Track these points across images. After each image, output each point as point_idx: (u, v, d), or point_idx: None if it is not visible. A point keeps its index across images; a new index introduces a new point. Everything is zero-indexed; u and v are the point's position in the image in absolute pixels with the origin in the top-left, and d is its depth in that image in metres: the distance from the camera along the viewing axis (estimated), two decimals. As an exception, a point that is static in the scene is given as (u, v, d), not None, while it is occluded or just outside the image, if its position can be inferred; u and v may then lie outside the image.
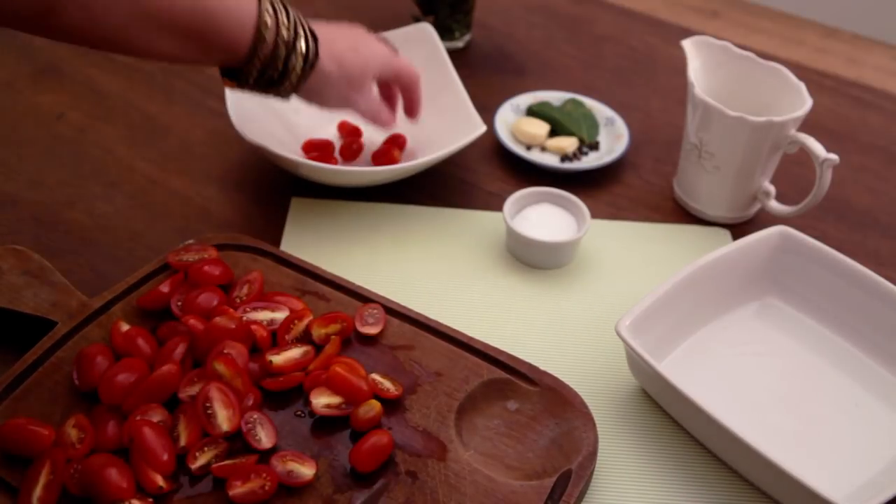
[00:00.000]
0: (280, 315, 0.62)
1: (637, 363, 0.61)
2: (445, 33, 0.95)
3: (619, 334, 0.59)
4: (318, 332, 0.61)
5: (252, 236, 0.70)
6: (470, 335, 0.63)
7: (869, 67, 1.02)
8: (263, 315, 0.62)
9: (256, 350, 0.60)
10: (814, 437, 0.61)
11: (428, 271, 0.72)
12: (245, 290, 0.64)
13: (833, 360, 0.66)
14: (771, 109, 0.75)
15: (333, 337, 0.61)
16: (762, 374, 0.65)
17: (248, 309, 0.62)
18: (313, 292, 0.65)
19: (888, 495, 0.53)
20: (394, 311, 0.64)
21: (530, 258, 0.73)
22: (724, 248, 0.67)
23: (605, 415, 0.62)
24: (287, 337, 0.61)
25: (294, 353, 0.60)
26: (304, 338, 0.61)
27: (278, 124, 0.80)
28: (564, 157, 0.82)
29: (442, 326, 0.63)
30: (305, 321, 0.62)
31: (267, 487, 0.53)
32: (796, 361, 0.66)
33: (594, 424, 0.58)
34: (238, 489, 0.52)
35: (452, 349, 0.62)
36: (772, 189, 0.76)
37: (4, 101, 0.86)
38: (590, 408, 0.59)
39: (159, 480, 0.52)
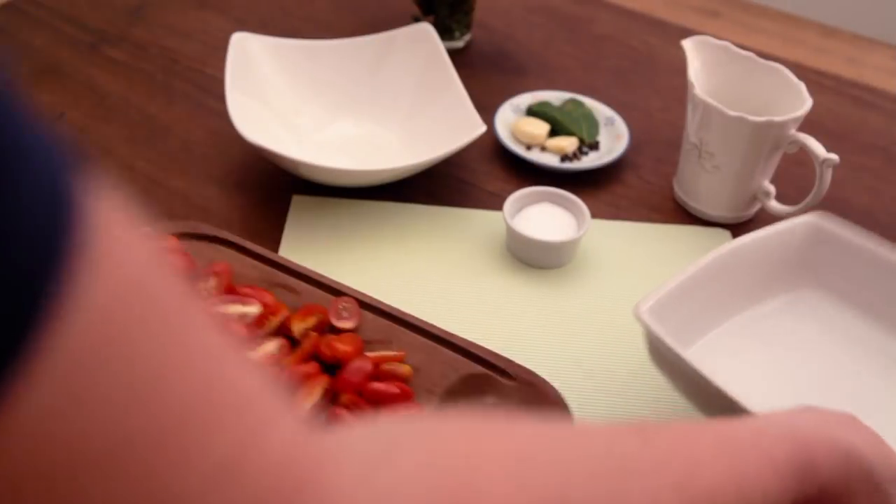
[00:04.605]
0: (252, 309, 0.59)
1: (659, 350, 0.56)
2: (445, 33, 0.95)
3: (638, 318, 0.55)
4: (298, 327, 0.59)
5: (252, 236, 0.70)
6: (456, 331, 0.62)
7: (869, 67, 1.02)
8: (234, 309, 0.59)
9: None
10: None
11: (428, 270, 0.72)
12: (212, 282, 0.61)
13: (879, 361, 0.62)
14: (771, 109, 0.75)
15: (311, 332, 0.60)
16: (795, 373, 0.61)
17: (217, 303, 0.59)
18: (282, 285, 0.64)
19: None
20: (367, 305, 0.63)
21: (530, 258, 0.73)
22: (755, 233, 0.62)
23: (606, 415, 0.62)
24: (261, 332, 0.59)
25: (270, 347, 0.58)
26: (278, 333, 0.59)
27: (278, 124, 0.80)
28: (564, 157, 0.82)
29: (417, 321, 0.62)
30: (280, 316, 0.60)
31: None
32: (834, 361, 0.62)
33: (572, 418, 0.57)
34: None
35: (429, 343, 0.61)
36: (772, 189, 0.76)
37: (4, 101, 0.86)
38: (576, 403, 0.59)
39: None
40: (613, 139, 0.84)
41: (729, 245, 0.61)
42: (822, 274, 0.65)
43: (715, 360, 0.60)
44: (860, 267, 0.63)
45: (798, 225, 0.64)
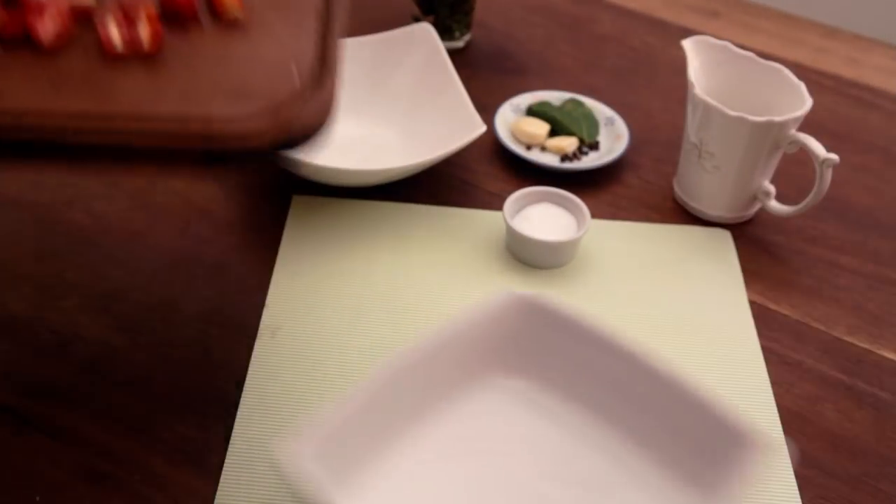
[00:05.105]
0: None
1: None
2: (445, 33, 0.95)
3: (283, 463, 0.46)
4: None
5: (252, 236, 0.70)
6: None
7: (869, 67, 1.02)
8: None
9: None
10: None
11: (427, 270, 0.72)
12: None
13: (589, 446, 0.55)
14: (771, 109, 0.75)
15: None
16: (496, 477, 0.53)
17: None
18: None
19: None
20: None
21: (530, 258, 0.73)
22: (436, 331, 0.54)
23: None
24: None
25: None
26: None
27: (278, 124, 0.80)
28: (564, 157, 0.82)
29: None
30: None
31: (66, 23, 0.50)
32: (543, 451, 0.55)
33: None
34: (46, 32, 0.49)
35: None
36: (772, 189, 0.77)
37: (4, 100, 0.86)
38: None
39: None
40: (613, 139, 0.84)
41: (403, 351, 0.53)
42: (520, 355, 0.58)
43: (407, 485, 0.52)
44: (558, 343, 0.57)
45: (489, 308, 0.56)
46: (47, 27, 0.50)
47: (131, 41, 0.51)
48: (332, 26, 0.54)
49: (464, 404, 0.56)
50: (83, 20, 0.52)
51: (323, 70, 0.51)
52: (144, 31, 0.51)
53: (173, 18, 0.53)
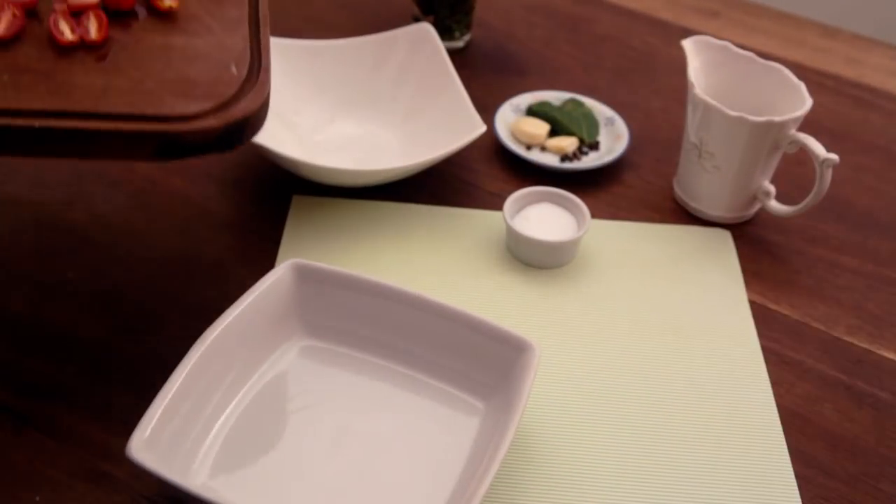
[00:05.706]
0: None
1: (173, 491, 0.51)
2: (445, 33, 0.95)
3: (134, 461, 0.51)
4: None
5: (252, 236, 0.70)
6: None
7: (869, 67, 1.02)
8: None
9: None
10: (379, 477, 0.56)
11: (428, 270, 0.72)
12: None
13: (386, 381, 0.61)
14: (771, 109, 0.75)
15: None
16: (314, 431, 0.59)
17: None
18: None
19: None
20: None
21: (530, 258, 0.73)
22: (231, 310, 0.59)
23: (603, 413, 0.62)
24: None
25: None
26: None
27: (278, 124, 0.80)
28: (564, 157, 0.82)
29: None
30: None
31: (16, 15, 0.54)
32: (344, 403, 0.60)
33: None
34: None
35: None
36: (772, 189, 0.77)
37: (4, 100, 0.86)
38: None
39: None
40: (613, 139, 0.84)
41: (208, 334, 0.58)
42: (306, 318, 0.63)
43: (239, 450, 0.57)
44: (334, 298, 0.62)
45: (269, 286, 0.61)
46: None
47: (80, 31, 0.54)
48: (260, 16, 0.58)
49: (270, 370, 0.61)
50: (31, 13, 0.55)
51: (257, 63, 0.54)
52: (92, 22, 0.54)
53: (112, 9, 0.56)
